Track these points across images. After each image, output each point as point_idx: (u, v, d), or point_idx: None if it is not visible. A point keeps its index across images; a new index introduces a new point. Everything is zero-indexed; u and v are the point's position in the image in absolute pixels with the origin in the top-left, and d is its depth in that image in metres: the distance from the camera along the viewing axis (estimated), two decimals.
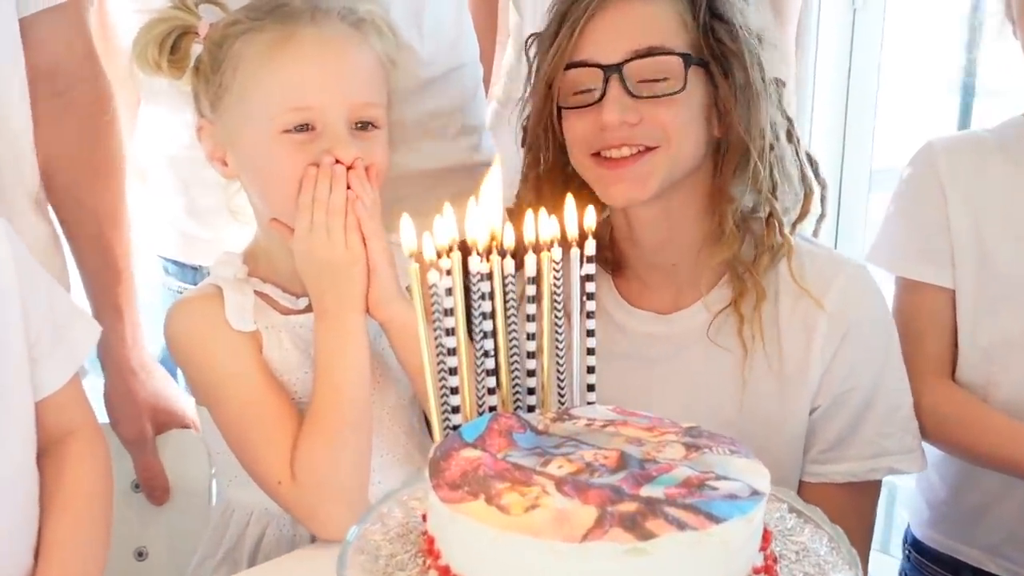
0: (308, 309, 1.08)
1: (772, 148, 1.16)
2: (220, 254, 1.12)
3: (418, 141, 1.33)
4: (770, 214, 1.17)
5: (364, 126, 1.08)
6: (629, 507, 0.68)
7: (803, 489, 1.21)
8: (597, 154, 1.13)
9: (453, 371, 0.79)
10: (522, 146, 1.23)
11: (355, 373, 1.01)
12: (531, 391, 0.86)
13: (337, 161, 1.02)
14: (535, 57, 1.19)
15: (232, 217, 1.14)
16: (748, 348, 1.17)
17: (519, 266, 0.82)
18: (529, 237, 0.82)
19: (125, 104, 1.32)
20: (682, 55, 1.12)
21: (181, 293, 1.29)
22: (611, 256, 1.24)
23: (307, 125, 1.04)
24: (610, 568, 0.65)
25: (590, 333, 0.87)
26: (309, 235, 1.02)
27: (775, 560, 0.74)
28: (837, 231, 2.02)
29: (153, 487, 1.23)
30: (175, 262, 1.40)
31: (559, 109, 1.15)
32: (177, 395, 1.26)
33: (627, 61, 1.10)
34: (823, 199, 1.21)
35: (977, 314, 1.23)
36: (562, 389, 0.87)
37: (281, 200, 1.04)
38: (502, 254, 0.81)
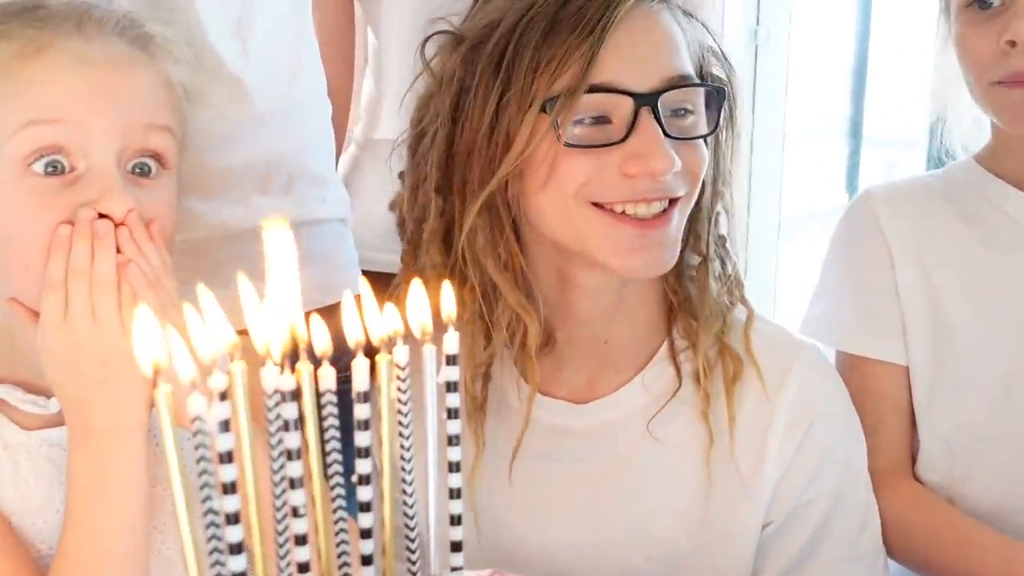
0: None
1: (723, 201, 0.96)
2: None
3: (245, 193, 1.05)
4: (729, 275, 0.96)
5: (144, 169, 0.79)
6: None
7: None
8: (600, 205, 0.87)
9: (236, 548, 0.50)
10: (414, 189, 0.94)
11: (127, 519, 0.72)
12: (367, 560, 0.58)
13: (101, 216, 0.74)
14: (480, 72, 0.89)
15: None
16: (715, 437, 0.92)
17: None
18: (356, 335, 0.56)
19: None
20: (714, 88, 0.89)
21: None
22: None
23: (60, 164, 0.75)
24: None
25: (453, 467, 0.60)
26: (63, 324, 0.73)
27: None
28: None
29: None
30: None
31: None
32: None
33: (664, 90, 0.86)
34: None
35: (936, 397, 1.02)
36: (413, 552, 0.59)
37: (21, 272, 0.75)
38: (314, 361, 0.54)
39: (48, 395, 0.79)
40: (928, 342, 1.02)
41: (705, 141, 0.90)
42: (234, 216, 1.01)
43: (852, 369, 1.05)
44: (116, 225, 0.74)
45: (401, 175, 0.97)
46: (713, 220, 0.94)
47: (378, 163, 1.20)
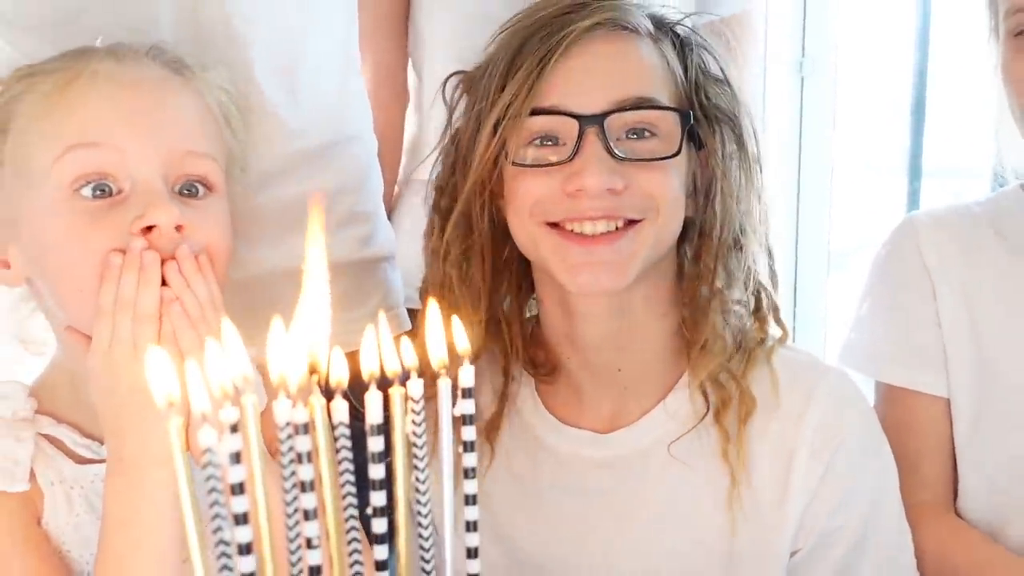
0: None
1: (747, 231, 0.96)
2: None
3: (288, 232, 1.06)
4: (758, 305, 0.96)
5: (192, 190, 0.81)
6: None
7: None
8: (557, 225, 0.90)
9: None
10: (433, 211, 0.99)
11: (157, 552, 0.73)
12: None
13: (148, 231, 0.76)
14: (472, 101, 0.95)
15: (23, 348, 0.86)
16: (735, 472, 0.92)
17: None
18: (372, 367, 0.57)
19: None
20: (679, 111, 0.91)
21: None
22: (541, 359, 0.99)
23: (107, 187, 0.78)
24: None
25: (470, 500, 0.61)
26: (109, 350, 0.75)
27: None
28: (794, 323, 1.80)
29: None
30: None
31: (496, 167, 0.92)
32: None
33: (610, 112, 0.88)
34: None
35: (979, 431, 1.00)
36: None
37: (75, 297, 0.77)
38: (327, 394, 0.55)
39: (102, 440, 0.81)
40: (971, 376, 1.00)
41: (710, 168, 0.91)
42: (270, 257, 1.02)
43: (892, 401, 1.03)
44: (165, 260, 0.76)
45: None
46: (724, 252, 0.93)
47: (418, 202, 1.23)
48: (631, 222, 0.89)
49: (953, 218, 1.06)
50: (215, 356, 0.52)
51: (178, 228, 0.76)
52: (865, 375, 1.07)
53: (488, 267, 0.96)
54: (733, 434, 0.93)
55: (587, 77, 0.89)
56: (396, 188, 1.42)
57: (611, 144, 0.87)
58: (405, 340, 0.58)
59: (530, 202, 0.90)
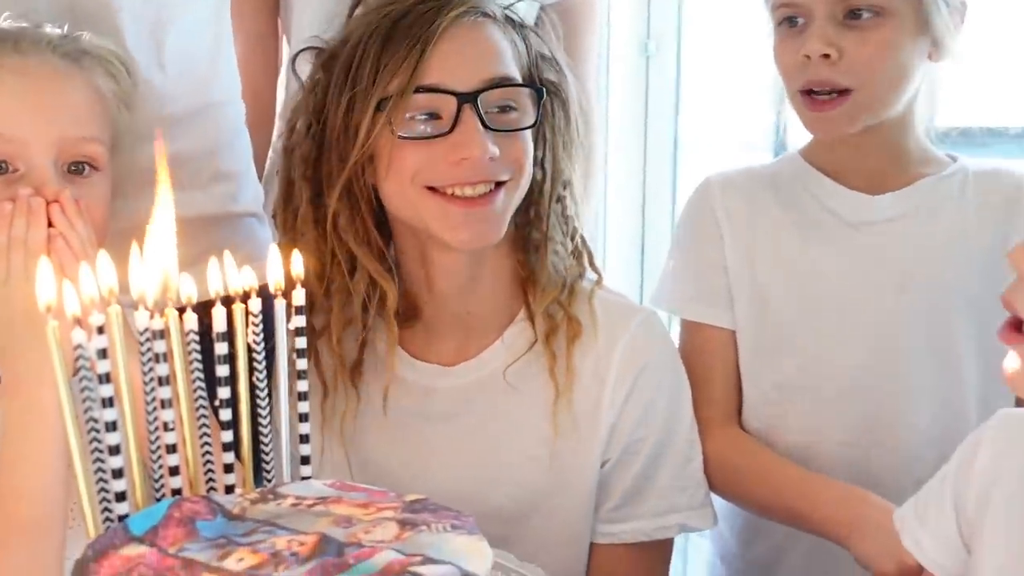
0: None
1: (569, 187, 1.12)
2: None
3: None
4: (576, 248, 1.12)
5: (79, 168, 0.95)
6: None
7: (594, 551, 1.13)
8: (436, 189, 1.02)
9: (114, 450, 0.65)
10: (288, 183, 1.10)
11: (42, 461, 0.86)
12: (229, 468, 0.73)
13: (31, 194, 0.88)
14: (331, 84, 1.05)
15: None
16: (561, 389, 1.08)
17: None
18: (217, 287, 0.71)
19: None
20: (534, 87, 1.05)
21: None
22: (401, 307, 1.13)
23: (4, 166, 0.91)
24: None
25: (302, 396, 0.75)
26: (4, 284, 0.87)
27: None
28: (642, 289, 1.97)
29: None
30: None
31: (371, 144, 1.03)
32: None
33: (483, 90, 1.01)
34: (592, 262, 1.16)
35: (757, 356, 1.18)
36: (268, 464, 0.74)
37: None
38: (179, 307, 0.69)
39: None
40: (750, 311, 1.18)
41: (540, 136, 1.06)
42: (143, 209, 1.14)
43: (690, 333, 1.21)
44: (49, 203, 0.88)
45: (277, 172, 1.12)
46: (552, 203, 1.09)
47: None
48: (500, 183, 1.04)
49: (742, 179, 1.24)
50: (88, 277, 0.65)
51: (54, 201, 0.89)
52: (669, 312, 1.25)
53: (373, 228, 1.08)
54: (560, 354, 1.08)
55: (461, 59, 1.02)
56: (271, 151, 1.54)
57: (485, 119, 1.01)
58: (247, 268, 0.72)
59: (413, 170, 1.02)
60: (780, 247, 1.17)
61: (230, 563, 0.61)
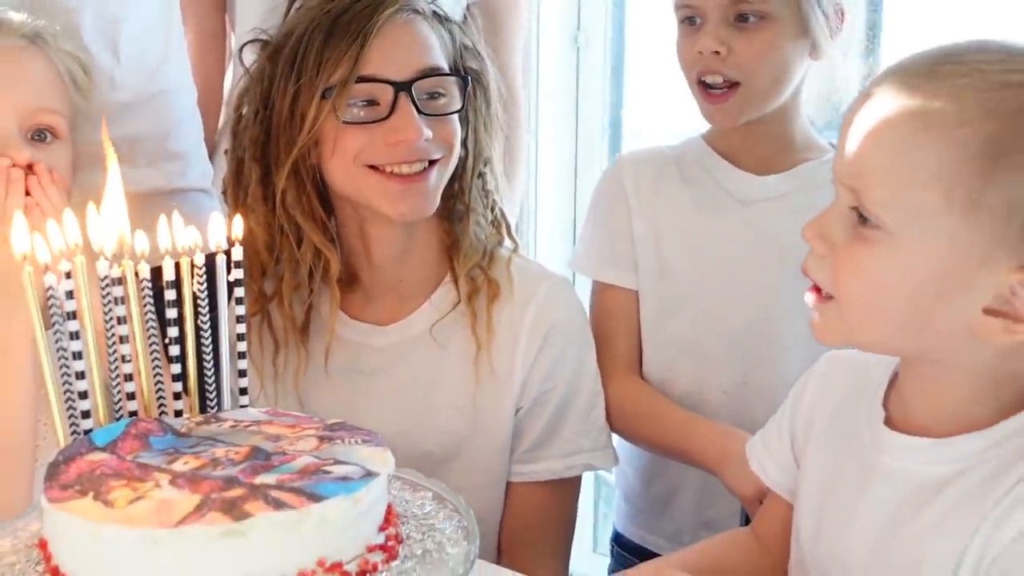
0: None
1: (489, 163, 1.25)
2: None
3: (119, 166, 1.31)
4: (495, 219, 1.26)
5: (41, 136, 1.06)
6: (235, 493, 0.70)
7: (510, 489, 1.27)
8: (376, 168, 1.14)
9: (80, 375, 0.78)
10: (239, 163, 1.21)
11: (15, 397, 0.98)
12: (177, 396, 0.86)
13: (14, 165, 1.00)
14: (277, 73, 1.17)
15: None
16: (481, 344, 1.22)
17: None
18: (166, 244, 0.84)
19: None
20: (460, 76, 1.18)
21: None
22: (342, 274, 1.25)
23: None
24: (206, 551, 0.66)
25: (240, 337, 0.88)
26: None
27: (398, 539, 0.77)
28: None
29: None
30: None
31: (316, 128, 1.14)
32: None
33: (416, 79, 1.14)
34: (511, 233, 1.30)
35: (658, 316, 1.32)
36: (211, 394, 0.88)
37: None
38: (134, 260, 0.82)
39: None
40: (653, 274, 1.32)
41: (464, 118, 1.19)
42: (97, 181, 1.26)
43: (600, 294, 1.35)
44: (27, 175, 1.00)
45: (226, 152, 1.24)
46: (474, 178, 1.22)
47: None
48: (432, 162, 1.16)
49: (649, 157, 1.38)
50: (57, 232, 0.78)
51: (29, 165, 1.01)
52: (582, 274, 1.39)
53: (318, 204, 1.20)
54: (481, 313, 1.22)
55: (396, 51, 1.14)
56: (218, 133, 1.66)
57: (419, 103, 1.14)
58: (192, 228, 0.86)
59: (355, 151, 1.14)
60: (680, 220, 1.31)
61: (176, 466, 0.75)
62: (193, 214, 1.36)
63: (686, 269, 1.31)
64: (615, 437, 1.30)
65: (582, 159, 2.10)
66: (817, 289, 0.79)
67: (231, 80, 1.62)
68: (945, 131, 0.70)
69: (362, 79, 1.13)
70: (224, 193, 1.26)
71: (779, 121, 1.28)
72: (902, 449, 0.79)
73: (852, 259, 0.75)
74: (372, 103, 1.14)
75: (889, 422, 0.81)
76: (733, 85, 1.23)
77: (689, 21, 1.26)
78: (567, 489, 1.29)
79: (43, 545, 0.73)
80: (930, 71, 0.73)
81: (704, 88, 1.25)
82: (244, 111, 1.22)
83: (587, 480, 1.91)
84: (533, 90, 1.97)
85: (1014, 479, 0.73)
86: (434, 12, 1.21)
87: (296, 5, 1.22)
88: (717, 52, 1.21)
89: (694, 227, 1.32)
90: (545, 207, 2.10)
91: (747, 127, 1.27)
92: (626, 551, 1.40)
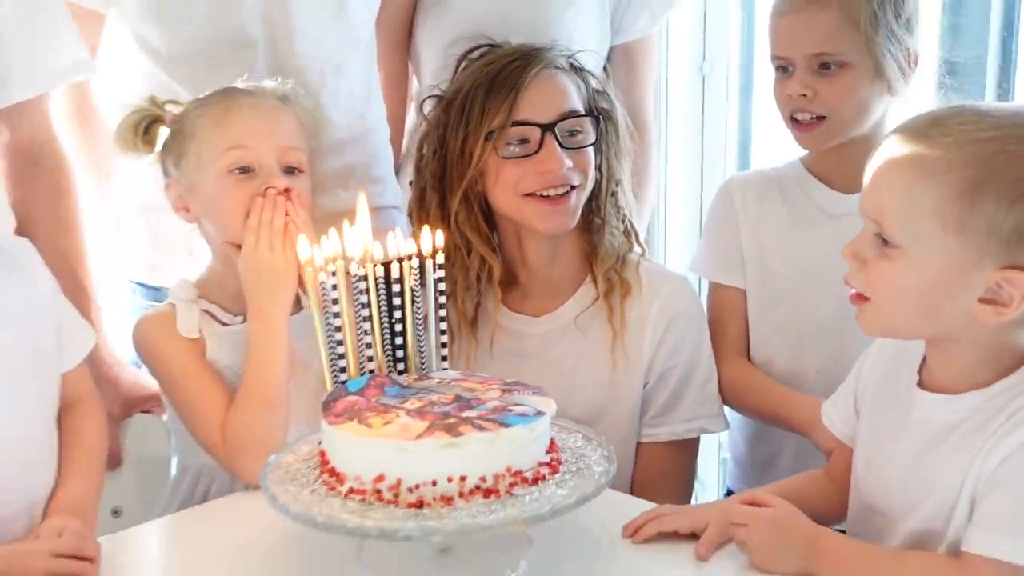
0: (243, 323, 1.41)
1: (620, 185, 1.57)
2: (177, 280, 1.46)
3: (335, 189, 1.69)
4: (626, 230, 1.58)
5: (291, 171, 1.42)
6: (451, 421, 1.04)
7: (639, 448, 1.58)
8: (533, 194, 1.46)
9: (340, 343, 1.15)
10: (421, 192, 1.55)
11: (277, 361, 1.35)
12: (401, 361, 1.21)
13: (276, 192, 1.36)
14: (450, 121, 1.50)
15: (188, 256, 1.48)
16: (616, 331, 1.53)
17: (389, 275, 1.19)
18: (393, 252, 1.19)
19: (100, 173, 1.68)
20: (593, 116, 1.50)
21: (147, 309, 1.62)
22: (503, 276, 1.57)
23: (247, 168, 1.38)
24: (434, 457, 1.00)
25: (442, 319, 1.23)
26: (255, 251, 1.34)
27: (559, 461, 1.10)
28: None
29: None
30: (142, 285, 1.73)
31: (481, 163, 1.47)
32: (144, 388, 1.59)
33: (558, 121, 1.46)
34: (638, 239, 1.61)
35: (761, 310, 1.61)
36: (423, 359, 1.23)
37: (232, 226, 1.37)
38: (373, 263, 1.17)
39: (234, 314, 1.41)
40: (757, 278, 1.60)
41: (598, 149, 1.51)
42: (328, 203, 1.64)
43: (714, 292, 1.65)
44: (285, 200, 1.35)
45: (411, 183, 1.60)
46: (608, 196, 1.54)
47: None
48: (573, 187, 1.49)
49: (755, 178, 1.66)
50: (326, 244, 1.15)
51: (286, 190, 1.38)
52: (702, 276, 1.70)
53: (483, 222, 1.54)
54: (615, 307, 1.54)
55: (542, 100, 1.47)
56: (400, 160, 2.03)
57: (562, 141, 1.47)
58: (410, 240, 1.21)
59: (513, 182, 1.47)
60: (779, 232, 1.59)
61: (407, 405, 1.09)
62: (390, 227, 1.76)
63: (784, 273, 1.59)
64: (726, 409, 1.59)
65: (707, 176, 2.39)
66: (858, 294, 1.08)
67: (410, 122, 2.00)
68: (936, 177, 0.99)
69: (516, 123, 1.46)
70: (409, 215, 1.61)
71: (864, 147, 1.52)
72: (926, 403, 1.07)
73: (879, 271, 1.04)
74: (524, 142, 1.47)
75: (920, 384, 1.10)
76: (820, 118, 1.50)
77: (782, 69, 1.53)
78: (687, 449, 1.59)
79: (322, 455, 1.09)
80: (924, 133, 1.02)
81: (793, 121, 1.53)
82: (424, 151, 1.57)
83: (713, 447, 2.21)
84: (663, 116, 2.28)
85: (1000, 422, 1.00)
86: (571, 64, 1.54)
87: (463, 66, 1.58)
88: (804, 95, 1.49)
89: (791, 238, 1.59)
90: (673, 218, 2.40)
91: (837, 151, 1.53)
92: None
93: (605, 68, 1.78)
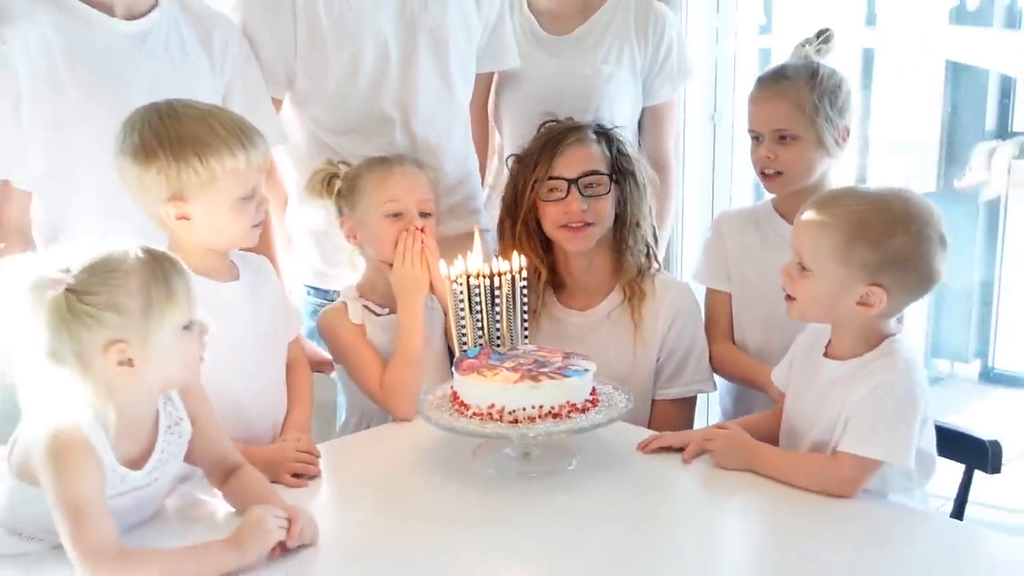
0: (389, 314, 2.11)
1: (641, 219, 2.25)
2: (344, 286, 2.18)
3: (448, 220, 2.38)
4: (647, 252, 2.27)
5: (425, 215, 2.12)
6: (533, 373, 1.74)
7: (654, 405, 2.27)
8: (564, 226, 2.16)
9: (463, 326, 1.85)
10: (504, 217, 2.27)
11: (416, 338, 2.05)
12: (499, 338, 1.91)
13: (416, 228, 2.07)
14: (519, 171, 2.21)
15: (351, 268, 2.20)
16: (637, 325, 2.22)
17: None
18: (496, 268, 1.89)
19: (275, 204, 2.39)
20: (609, 175, 2.19)
21: (321, 306, 2.30)
22: (554, 280, 2.29)
23: (399, 213, 2.08)
24: (525, 394, 1.70)
25: (524, 312, 1.93)
26: (401, 267, 2.05)
27: (597, 400, 1.79)
28: None
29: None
30: (314, 288, 2.45)
31: (535, 201, 2.19)
32: (319, 355, 2.27)
33: (581, 177, 2.15)
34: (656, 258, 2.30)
35: (740, 306, 2.28)
36: (513, 339, 1.93)
37: (386, 250, 2.07)
38: (482, 276, 1.88)
39: (383, 306, 2.13)
40: (739, 284, 2.28)
41: (622, 196, 2.21)
42: (444, 231, 2.33)
43: (709, 294, 2.33)
44: (421, 231, 2.06)
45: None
46: (632, 229, 2.23)
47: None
48: (588, 224, 2.18)
49: (738, 214, 2.34)
50: (444, 266, 1.85)
51: (422, 228, 2.08)
52: (702, 284, 2.38)
53: (539, 243, 2.24)
54: (636, 308, 2.23)
55: (571, 161, 2.16)
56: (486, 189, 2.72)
57: (582, 191, 2.16)
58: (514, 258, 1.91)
59: (552, 217, 2.18)
60: (754, 252, 2.26)
61: (506, 364, 1.80)
62: (491, 244, 2.47)
63: (757, 281, 2.25)
64: (716, 376, 2.29)
65: (716, 206, 3.07)
66: (788, 296, 1.76)
67: (492, 170, 2.68)
68: (830, 231, 1.67)
69: (551, 177, 2.16)
70: (499, 230, 2.32)
71: (811, 193, 2.15)
72: (827, 365, 1.76)
73: (800, 284, 1.72)
74: (557, 190, 2.16)
75: (825, 354, 1.78)
76: (779, 173, 2.17)
77: (755, 139, 2.21)
78: (688, 404, 2.28)
79: (453, 395, 1.80)
80: (826, 203, 1.70)
81: (763, 175, 2.21)
82: (505, 193, 2.28)
83: (704, 403, 2.88)
84: (681, 158, 2.96)
85: (864, 376, 1.68)
86: (597, 131, 2.22)
87: (535, 136, 2.27)
88: (768, 157, 2.17)
89: (762, 256, 2.24)
90: (688, 240, 3.09)
91: (793, 196, 2.16)
92: None
93: (640, 124, 2.49)
